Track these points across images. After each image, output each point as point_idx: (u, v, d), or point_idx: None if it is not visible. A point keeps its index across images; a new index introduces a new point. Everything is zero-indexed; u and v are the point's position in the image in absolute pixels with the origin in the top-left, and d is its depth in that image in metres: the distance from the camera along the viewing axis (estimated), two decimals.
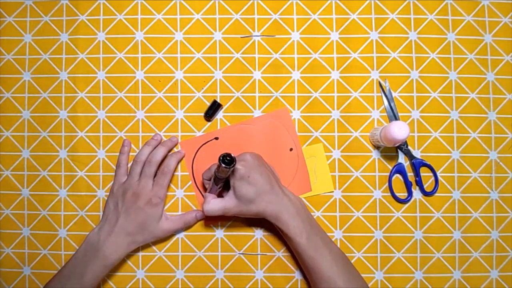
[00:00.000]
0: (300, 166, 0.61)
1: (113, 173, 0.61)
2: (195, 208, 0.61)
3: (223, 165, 0.48)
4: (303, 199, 0.60)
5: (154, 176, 0.59)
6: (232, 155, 0.49)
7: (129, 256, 0.60)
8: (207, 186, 0.57)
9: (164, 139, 0.62)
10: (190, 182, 0.61)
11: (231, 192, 0.54)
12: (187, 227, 0.61)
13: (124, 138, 0.62)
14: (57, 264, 0.61)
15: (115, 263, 0.57)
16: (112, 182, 0.60)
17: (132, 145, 0.62)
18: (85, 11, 0.63)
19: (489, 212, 0.61)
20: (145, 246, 0.60)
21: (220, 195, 0.57)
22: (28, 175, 0.62)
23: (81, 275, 0.54)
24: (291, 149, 0.61)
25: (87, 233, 0.60)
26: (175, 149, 0.62)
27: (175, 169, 0.61)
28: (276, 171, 0.59)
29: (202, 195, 0.61)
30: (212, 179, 0.55)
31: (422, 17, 0.63)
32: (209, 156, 0.61)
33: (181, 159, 0.61)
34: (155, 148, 0.60)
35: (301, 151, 0.61)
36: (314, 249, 0.53)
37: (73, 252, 0.60)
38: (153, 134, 0.62)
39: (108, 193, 0.61)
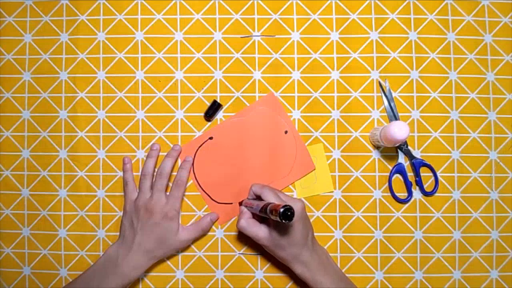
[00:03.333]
0: (299, 146, 0.61)
1: (113, 173, 0.61)
2: (195, 208, 0.61)
3: (284, 220, 0.45)
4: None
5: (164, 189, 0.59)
6: (292, 207, 0.46)
7: None
8: (248, 201, 0.56)
9: (170, 145, 0.62)
10: (189, 183, 0.61)
11: (267, 226, 0.53)
12: (204, 233, 0.60)
13: (124, 156, 0.61)
14: (57, 264, 0.61)
15: (134, 279, 0.56)
16: (124, 201, 0.59)
17: (133, 146, 0.62)
18: (85, 11, 0.63)
19: (489, 212, 0.61)
20: None
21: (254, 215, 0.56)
22: (28, 175, 0.62)
23: None
24: (286, 132, 0.61)
25: (87, 233, 0.61)
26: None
27: (188, 179, 0.61)
28: (278, 158, 0.60)
29: (212, 199, 0.61)
30: (258, 206, 0.52)
31: (422, 17, 0.63)
32: (208, 156, 0.61)
33: (190, 168, 0.61)
34: (157, 158, 0.60)
35: (296, 131, 0.61)
36: None
37: (73, 252, 0.60)
38: (153, 134, 0.62)
39: (108, 193, 0.61)
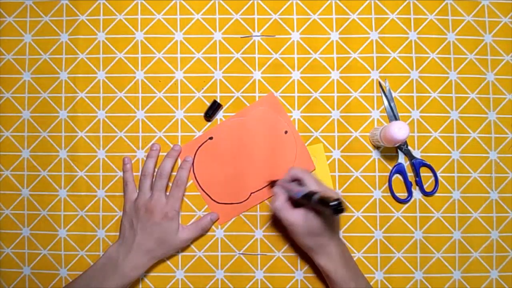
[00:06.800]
0: (299, 146, 0.61)
1: (113, 173, 0.61)
2: (194, 208, 0.61)
3: (335, 213, 0.45)
4: None
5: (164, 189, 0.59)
6: (342, 201, 0.45)
7: None
8: (285, 184, 0.55)
9: (170, 145, 0.62)
10: (189, 183, 0.61)
11: (303, 212, 0.52)
12: (204, 232, 0.60)
13: (124, 156, 0.61)
14: (57, 264, 0.61)
15: (134, 279, 0.57)
16: (123, 201, 0.60)
17: (133, 146, 0.62)
18: (85, 11, 0.63)
19: (489, 212, 0.61)
20: None
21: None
22: (28, 175, 0.62)
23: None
24: (286, 132, 0.61)
25: (87, 233, 0.60)
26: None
27: (187, 179, 0.61)
28: (278, 158, 0.60)
29: (212, 199, 0.61)
30: (299, 191, 0.51)
31: (422, 17, 0.63)
32: (208, 156, 0.61)
33: (190, 167, 0.61)
34: (157, 158, 0.60)
35: (296, 131, 0.61)
36: None
37: (73, 252, 0.60)
38: (153, 134, 0.62)
39: (108, 193, 0.61)
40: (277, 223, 0.61)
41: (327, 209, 0.45)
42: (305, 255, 0.60)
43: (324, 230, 0.52)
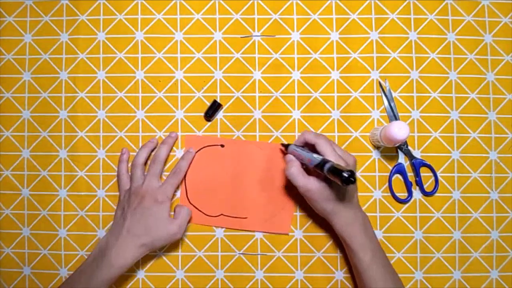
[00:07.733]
0: (288, 205, 0.60)
1: (113, 173, 0.61)
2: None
3: (344, 184, 0.45)
4: None
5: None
6: (355, 173, 0.45)
7: None
8: (297, 153, 0.55)
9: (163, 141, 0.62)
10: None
11: (317, 179, 0.52)
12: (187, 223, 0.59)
13: (122, 147, 0.61)
14: (57, 264, 0.61)
15: (122, 268, 0.54)
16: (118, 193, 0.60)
17: (133, 146, 0.62)
18: (85, 11, 0.63)
19: (489, 212, 0.61)
20: None
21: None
22: (28, 175, 0.62)
23: (88, 281, 0.54)
24: (285, 186, 0.60)
25: (87, 233, 0.61)
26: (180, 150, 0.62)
27: (186, 171, 0.60)
28: (267, 199, 0.60)
29: (187, 197, 0.61)
30: (311, 161, 0.51)
31: (422, 17, 0.63)
32: (208, 159, 0.61)
33: (192, 160, 0.61)
34: (152, 150, 0.60)
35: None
36: (376, 268, 0.52)
37: (73, 252, 0.60)
38: (153, 134, 0.62)
39: (108, 193, 0.61)
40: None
41: (338, 179, 0.45)
42: (305, 254, 0.60)
43: (339, 195, 0.52)
